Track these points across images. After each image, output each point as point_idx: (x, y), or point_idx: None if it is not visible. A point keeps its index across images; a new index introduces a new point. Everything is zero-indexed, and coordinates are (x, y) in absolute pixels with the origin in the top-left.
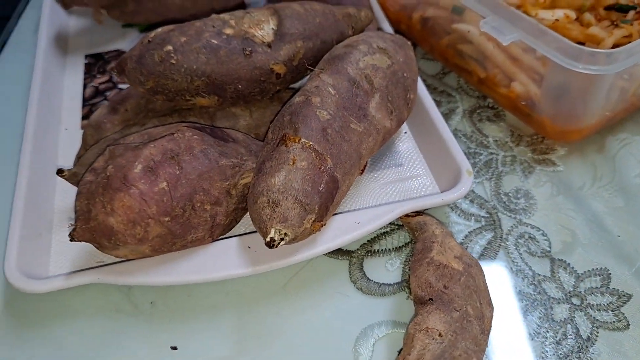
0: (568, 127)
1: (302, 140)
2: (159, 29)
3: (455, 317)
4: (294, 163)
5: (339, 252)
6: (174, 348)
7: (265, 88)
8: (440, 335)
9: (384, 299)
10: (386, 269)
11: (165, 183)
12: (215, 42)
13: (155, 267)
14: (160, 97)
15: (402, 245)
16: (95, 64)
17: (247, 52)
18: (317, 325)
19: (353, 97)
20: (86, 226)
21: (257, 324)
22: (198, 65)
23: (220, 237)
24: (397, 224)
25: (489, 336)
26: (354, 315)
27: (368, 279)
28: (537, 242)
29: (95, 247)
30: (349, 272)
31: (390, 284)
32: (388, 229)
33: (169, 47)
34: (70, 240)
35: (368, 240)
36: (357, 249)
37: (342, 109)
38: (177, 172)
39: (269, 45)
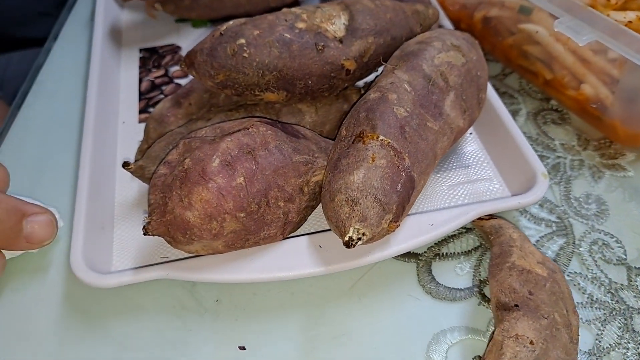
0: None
1: (381, 137)
2: (231, 22)
3: (544, 325)
4: (373, 161)
5: (406, 255)
6: (242, 348)
7: (334, 84)
8: (531, 343)
9: (455, 303)
10: (456, 273)
11: (242, 178)
12: (289, 36)
13: (223, 264)
14: (229, 91)
15: (472, 249)
16: (150, 57)
17: (320, 47)
18: (387, 328)
19: (429, 95)
20: (162, 219)
21: (325, 326)
22: (270, 59)
23: (290, 235)
24: (466, 228)
25: (577, 345)
26: (425, 320)
27: (437, 282)
28: (612, 249)
29: (167, 241)
30: (417, 275)
31: (461, 289)
32: (456, 232)
33: (242, 40)
34: (144, 234)
35: (436, 243)
36: (425, 252)
37: (419, 106)
38: (254, 167)
39: (341, 41)
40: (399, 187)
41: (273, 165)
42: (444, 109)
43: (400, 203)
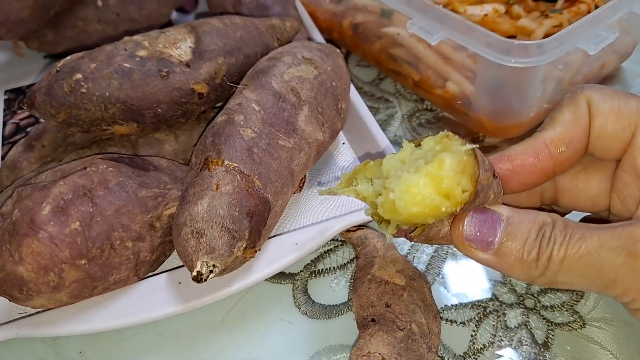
0: (506, 123)
1: (226, 162)
2: (68, 57)
3: (399, 338)
4: (217, 188)
5: (281, 276)
6: None
7: (188, 109)
8: (383, 359)
9: (331, 321)
10: (332, 289)
11: (77, 223)
12: (128, 65)
13: (78, 314)
14: (75, 129)
15: (347, 261)
16: (15, 98)
17: (164, 73)
18: (259, 358)
19: (280, 112)
20: None
21: None
22: (111, 91)
23: (148, 275)
24: (341, 240)
25: (436, 354)
26: (301, 343)
27: (313, 302)
28: None
29: (8, 299)
30: (293, 296)
31: (336, 305)
32: (332, 246)
33: (79, 76)
34: None
35: (312, 260)
36: (301, 271)
37: (269, 125)
38: (91, 210)
39: (187, 65)
40: (250, 212)
41: (114, 204)
42: (297, 125)
43: (253, 228)
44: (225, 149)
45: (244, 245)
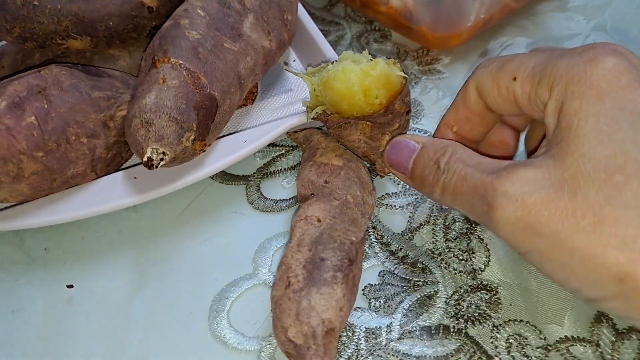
0: (446, 33)
1: (172, 60)
2: None
3: (334, 205)
4: (164, 82)
5: (235, 178)
6: (70, 286)
7: (139, 24)
8: (318, 220)
9: (281, 213)
10: (282, 187)
11: (33, 117)
12: None
13: (40, 208)
14: (30, 43)
15: (297, 163)
16: None
17: None
18: (216, 246)
19: (225, 18)
20: None
21: (155, 252)
22: (62, 4)
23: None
24: (292, 145)
25: (369, 219)
26: (252, 232)
27: (265, 198)
28: None
29: None
30: (247, 194)
31: (286, 199)
32: (283, 151)
33: None
34: None
35: (264, 164)
36: (254, 173)
37: (214, 29)
38: (46, 106)
39: None
40: (196, 105)
41: (68, 102)
42: (243, 31)
43: (201, 121)
44: (172, 49)
45: (192, 137)
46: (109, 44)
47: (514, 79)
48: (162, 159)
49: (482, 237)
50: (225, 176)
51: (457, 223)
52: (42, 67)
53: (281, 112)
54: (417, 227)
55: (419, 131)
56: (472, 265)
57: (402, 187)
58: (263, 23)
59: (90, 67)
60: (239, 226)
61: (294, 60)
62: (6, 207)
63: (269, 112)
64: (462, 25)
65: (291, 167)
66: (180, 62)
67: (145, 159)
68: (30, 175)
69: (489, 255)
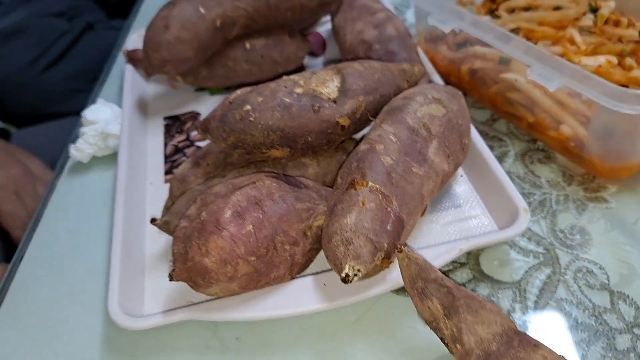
0: (617, 166)
1: (370, 184)
2: (238, 91)
3: None
4: (363, 205)
5: (405, 290)
6: None
7: (331, 139)
8: None
9: None
10: None
11: (251, 226)
12: (288, 100)
13: (240, 304)
14: (239, 150)
15: (465, 282)
16: (172, 124)
17: (316, 108)
18: (390, 356)
19: (413, 144)
20: (184, 266)
21: (333, 356)
22: (273, 121)
23: (298, 275)
24: (460, 262)
25: None
26: (424, 346)
27: None
28: (595, 275)
29: (190, 285)
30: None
31: None
32: (451, 267)
33: (248, 107)
34: (170, 280)
35: None
36: None
37: (404, 154)
38: (261, 216)
39: (334, 101)
40: (388, 227)
41: (278, 213)
42: (427, 156)
43: (391, 241)
44: (369, 173)
45: (382, 256)
46: (303, 154)
47: None
48: (356, 275)
49: None
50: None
51: None
52: (254, 177)
53: (451, 228)
54: None
55: (588, 262)
56: None
57: (574, 321)
58: (444, 148)
59: (290, 178)
60: (412, 339)
61: (461, 176)
62: (208, 300)
63: (439, 227)
64: (634, 159)
65: (459, 285)
66: (377, 186)
67: (343, 274)
68: (242, 276)
69: None
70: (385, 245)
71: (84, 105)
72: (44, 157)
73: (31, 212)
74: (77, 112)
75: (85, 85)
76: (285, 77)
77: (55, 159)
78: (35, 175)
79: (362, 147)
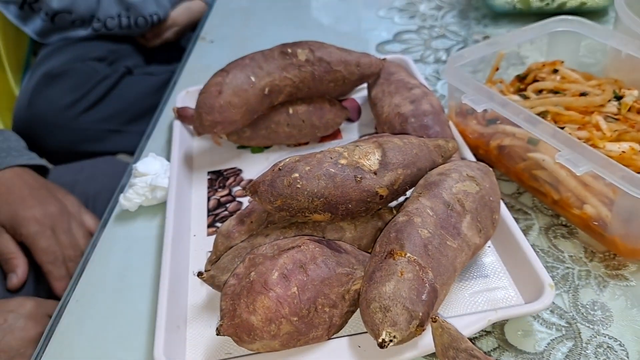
0: (639, 247)
1: (408, 254)
2: (287, 159)
3: None
4: (402, 275)
5: (434, 355)
6: None
7: (370, 207)
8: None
9: None
10: None
11: (295, 288)
12: (333, 170)
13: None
14: (284, 213)
15: (490, 350)
16: (216, 179)
17: (358, 179)
18: None
19: (448, 218)
20: (231, 322)
21: None
22: (318, 189)
23: (334, 336)
24: (485, 330)
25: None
26: None
27: None
28: (616, 351)
29: (235, 340)
30: None
31: None
32: (478, 335)
33: (296, 175)
34: (217, 334)
35: None
36: None
37: (440, 228)
38: (305, 279)
39: (375, 173)
40: (424, 297)
41: (320, 277)
42: (461, 230)
43: (425, 310)
44: (407, 245)
45: (417, 323)
46: (342, 219)
47: None
48: (392, 341)
49: None
50: None
51: None
52: (298, 240)
53: (479, 297)
54: None
55: (608, 338)
56: None
57: None
58: (477, 222)
59: (332, 242)
60: None
61: (489, 247)
62: (248, 354)
63: (468, 296)
64: None
65: (485, 353)
66: (414, 257)
67: (380, 340)
68: (283, 335)
69: None
70: (420, 314)
71: (117, 145)
72: (78, 195)
73: (64, 250)
74: (110, 152)
75: (119, 127)
76: (330, 149)
77: (88, 197)
78: (71, 213)
79: (401, 218)
